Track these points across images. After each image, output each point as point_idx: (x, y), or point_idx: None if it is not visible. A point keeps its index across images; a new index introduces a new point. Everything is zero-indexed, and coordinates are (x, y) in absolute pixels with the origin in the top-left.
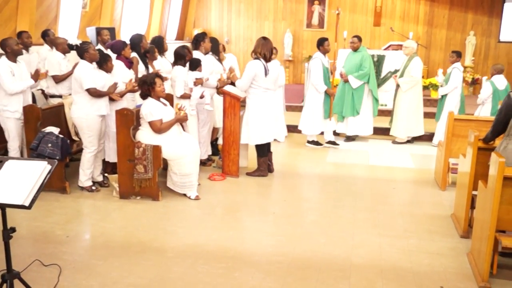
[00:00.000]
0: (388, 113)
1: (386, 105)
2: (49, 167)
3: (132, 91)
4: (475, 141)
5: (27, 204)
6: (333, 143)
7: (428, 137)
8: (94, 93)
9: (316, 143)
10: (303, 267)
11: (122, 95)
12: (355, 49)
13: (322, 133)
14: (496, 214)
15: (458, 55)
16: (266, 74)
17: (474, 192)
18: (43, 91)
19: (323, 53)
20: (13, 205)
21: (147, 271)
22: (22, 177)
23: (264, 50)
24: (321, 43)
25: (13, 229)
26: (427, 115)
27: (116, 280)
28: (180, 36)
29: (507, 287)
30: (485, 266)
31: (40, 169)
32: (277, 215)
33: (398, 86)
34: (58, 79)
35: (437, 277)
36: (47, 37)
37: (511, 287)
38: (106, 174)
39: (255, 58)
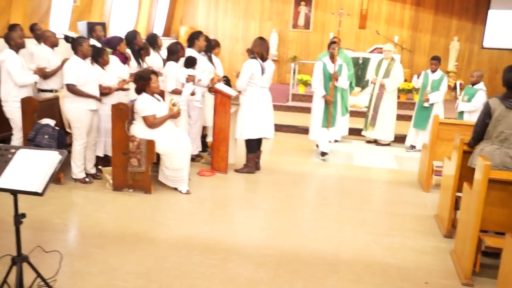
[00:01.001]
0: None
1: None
2: (59, 157)
3: (123, 89)
4: (461, 145)
5: (40, 191)
6: (323, 153)
7: (401, 139)
8: (72, 90)
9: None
10: (293, 260)
11: (112, 92)
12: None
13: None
14: (481, 215)
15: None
16: (262, 73)
17: (458, 194)
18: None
19: (331, 57)
20: (26, 192)
21: (143, 260)
22: (34, 166)
23: (262, 50)
24: (330, 45)
25: (23, 215)
26: (408, 117)
27: (115, 268)
28: (167, 32)
29: (489, 285)
30: (468, 264)
31: (52, 158)
32: (266, 210)
33: (380, 88)
34: (47, 76)
35: (421, 274)
36: (34, 32)
37: (493, 285)
38: (99, 167)
39: (252, 57)
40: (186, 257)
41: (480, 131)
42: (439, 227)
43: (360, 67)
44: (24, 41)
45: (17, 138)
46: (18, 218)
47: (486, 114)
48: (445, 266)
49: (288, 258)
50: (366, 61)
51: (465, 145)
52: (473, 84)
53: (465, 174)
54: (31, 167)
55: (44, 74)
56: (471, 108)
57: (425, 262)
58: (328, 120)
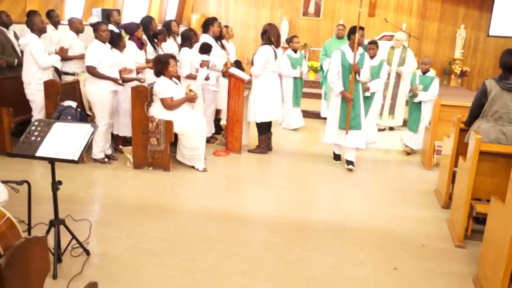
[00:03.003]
0: None
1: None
2: (92, 129)
3: (138, 80)
4: (458, 123)
5: (76, 158)
6: (336, 157)
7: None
8: (91, 72)
9: (337, 157)
10: (303, 227)
11: (129, 80)
12: (341, 37)
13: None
14: (472, 184)
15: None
16: (275, 58)
17: (454, 169)
18: (56, 69)
19: (351, 46)
20: (64, 160)
21: (166, 227)
22: (70, 137)
23: (272, 35)
24: (352, 32)
25: (60, 182)
26: None
27: (141, 234)
28: (178, 20)
29: (479, 247)
30: (461, 229)
31: (85, 130)
32: (278, 186)
33: (396, 77)
34: (67, 58)
35: (419, 238)
36: (51, 18)
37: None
38: (120, 146)
39: (265, 44)
40: (205, 225)
41: (476, 110)
42: (438, 200)
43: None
44: (45, 26)
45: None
46: (56, 184)
47: (483, 94)
48: (441, 232)
49: (299, 226)
50: (364, 47)
51: (462, 124)
52: (425, 72)
53: (462, 150)
54: (67, 138)
55: (65, 55)
56: (431, 97)
57: (423, 229)
58: (347, 121)
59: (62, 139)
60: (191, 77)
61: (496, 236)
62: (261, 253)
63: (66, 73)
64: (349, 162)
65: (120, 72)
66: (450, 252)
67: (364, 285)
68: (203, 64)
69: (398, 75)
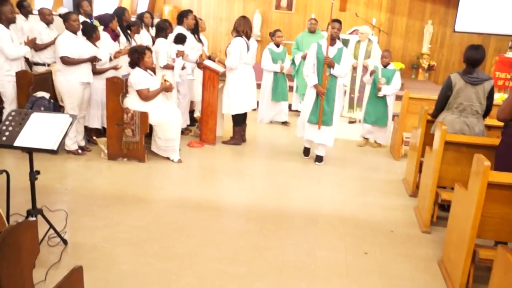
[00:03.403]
0: None
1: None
2: (70, 119)
3: (114, 67)
4: (425, 115)
5: (55, 148)
6: (305, 150)
7: None
8: (67, 61)
9: (306, 152)
10: (278, 215)
11: (104, 71)
12: (313, 31)
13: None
14: (438, 172)
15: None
16: (248, 50)
17: (422, 159)
18: (26, 59)
19: (330, 39)
20: (42, 150)
21: (144, 216)
22: (48, 128)
23: (246, 28)
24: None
25: (38, 172)
26: None
27: (118, 223)
28: (151, 11)
29: (443, 232)
30: (427, 215)
31: (63, 121)
32: (252, 176)
33: (363, 70)
34: (37, 48)
35: (388, 225)
36: (23, 8)
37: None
38: (94, 138)
39: (237, 36)
40: (182, 214)
41: (442, 103)
42: (406, 189)
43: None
44: (15, 16)
45: (8, 111)
46: (33, 174)
47: (448, 87)
48: (409, 219)
49: (273, 214)
50: (345, 42)
51: (429, 116)
52: (385, 65)
53: (429, 141)
54: (45, 128)
55: (35, 45)
56: (394, 91)
57: (392, 216)
58: (319, 116)
59: (40, 129)
60: (169, 67)
61: (459, 220)
62: (237, 240)
63: (37, 64)
64: (318, 158)
65: (93, 64)
66: (417, 237)
67: (336, 269)
68: (179, 54)
69: (365, 68)
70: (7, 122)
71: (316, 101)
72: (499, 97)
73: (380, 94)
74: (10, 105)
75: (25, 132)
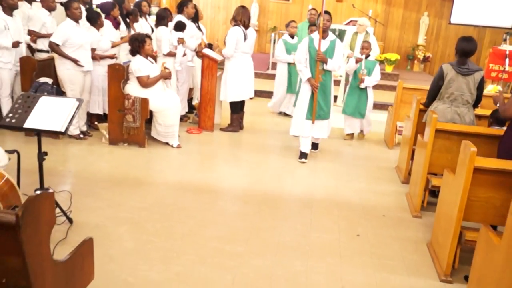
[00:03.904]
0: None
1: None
2: (77, 103)
3: (112, 57)
4: (418, 104)
5: (63, 130)
6: (302, 154)
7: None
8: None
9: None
10: (274, 199)
11: (102, 58)
12: (313, 21)
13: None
14: (429, 159)
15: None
16: (245, 39)
17: (414, 147)
18: (29, 46)
19: (322, 32)
20: (50, 131)
21: (145, 197)
22: (55, 110)
23: (244, 18)
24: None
25: (45, 153)
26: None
27: (120, 204)
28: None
29: (433, 217)
30: (418, 200)
31: (71, 104)
32: (250, 162)
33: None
34: (37, 36)
35: (380, 209)
36: None
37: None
38: (96, 123)
39: (235, 25)
40: (182, 196)
41: (434, 93)
42: (398, 176)
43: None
44: (16, 2)
45: (4, 96)
46: (42, 155)
47: (440, 77)
48: (400, 204)
49: (270, 198)
50: (342, 32)
51: (421, 105)
52: (366, 57)
53: (421, 130)
54: (53, 111)
55: (38, 34)
56: (374, 83)
57: (384, 201)
58: (313, 111)
59: (48, 112)
60: (171, 54)
61: (447, 204)
62: (235, 221)
63: (40, 50)
64: (314, 145)
65: (93, 50)
66: (407, 221)
67: (330, 249)
68: (180, 41)
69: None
70: (16, 105)
71: (312, 96)
72: (492, 89)
73: (363, 85)
74: (5, 90)
75: (34, 114)
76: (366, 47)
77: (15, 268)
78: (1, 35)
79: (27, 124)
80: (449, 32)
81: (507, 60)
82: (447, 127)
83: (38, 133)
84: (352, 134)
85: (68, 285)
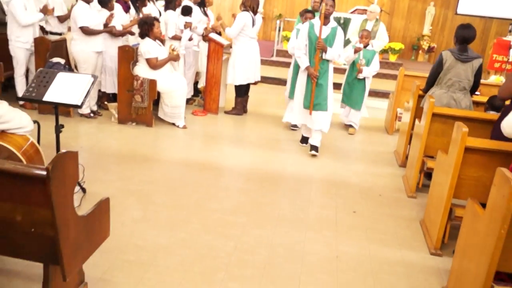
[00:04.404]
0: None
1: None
2: (92, 79)
3: (128, 33)
4: (417, 90)
5: (79, 103)
6: (303, 139)
7: (373, 93)
8: (86, 31)
9: (304, 139)
10: (275, 177)
11: (120, 34)
12: (317, 10)
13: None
14: (425, 142)
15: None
16: (253, 24)
17: (412, 132)
18: (41, 27)
19: (324, 18)
20: (67, 104)
21: (152, 172)
22: (72, 86)
23: (253, 3)
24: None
25: (62, 125)
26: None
27: (129, 177)
28: None
29: (427, 198)
30: (413, 182)
31: (86, 80)
32: (252, 143)
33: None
34: (62, 19)
35: (377, 190)
36: None
37: None
38: (105, 103)
39: (244, 10)
40: (187, 172)
41: (433, 78)
42: (396, 160)
43: (341, 27)
44: None
45: (19, 75)
46: (58, 127)
47: (439, 63)
48: (397, 185)
49: (271, 176)
50: (347, 21)
51: (420, 91)
52: (365, 46)
53: (419, 115)
54: (70, 86)
55: (49, 12)
56: (373, 73)
57: (381, 182)
58: (311, 100)
59: (66, 87)
60: (177, 37)
61: (439, 182)
62: (237, 196)
63: (52, 33)
64: (313, 147)
65: (111, 28)
66: (403, 201)
67: (327, 223)
68: (187, 25)
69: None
70: (35, 80)
71: (308, 85)
72: (495, 79)
73: (361, 76)
74: (20, 69)
75: (52, 89)
76: (365, 36)
77: (44, 219)
78: (25, 14)
79: (46, 98)
80: (455, 23)
81: (511, 51)
82: (443, 111)
83: (56, 106)
84: (345, 125)
85: (88, 238)
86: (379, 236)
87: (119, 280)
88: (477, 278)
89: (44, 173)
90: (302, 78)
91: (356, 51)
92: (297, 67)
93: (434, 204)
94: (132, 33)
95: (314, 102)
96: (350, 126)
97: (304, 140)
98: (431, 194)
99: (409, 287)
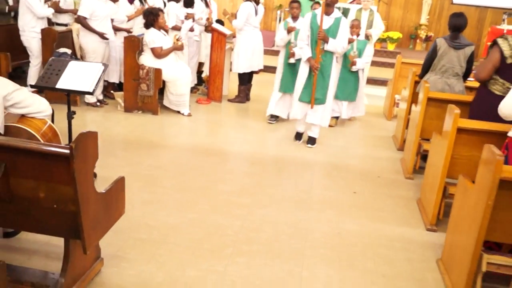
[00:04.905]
0: None
1: None
2: (103, 67)
3: (128, 31)
4: (413, 76)
5: (91, 90)
6: (298, 135)
7: (372, 81)
8: (81, 22)
9: (298, 136)
10: (278, 162)
11: (119, 29)
12: None
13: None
14: (421, 125)
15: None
16: (256, 14)
17: (409, 117)
18: (48, 19)
19: (326, 7)
20: (79, 91)
21: (160, 158)
22: (84, 74)
23: None
24: None
25: (74, 112)
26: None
27: (138, 162)
28: None
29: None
30: (410, 163)
31: (97, 68)
32: (255, 129)
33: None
34: (58, 11)
35: (376, 172)
36: None
37: None
38: (112, 92)
39: (246, 0)
40: (193, 157)
41: (428, 65)
42: (395, 143)
43: None
44: None
45: (34, 64)
46: (70, 114)
47: (433, 50)
48: (395, 168)
49: (274, 161)
50: (346, 11)
51: (416, 77)
52: (358, 35)
53: (415, 100)
54: (81, 74)
55: (58, 8)
56: (366, 64)
57: (380, 165)
58: (312, 94)
59: (77, 75)
60: (176, 28)
61: (435, 162)
62: (242, 178)
63: (59, 24)
64: (310, 140)
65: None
66: (400, 182)
67: (329, 203)
68: (188, 16)
69: (367, 38)
70: (48, 69)
71: (309, 77)
72: None
73: (355, 68)
74: (36, 59)
75: (65, 77)
76: (356, 26)
77: (66, 195)
78: (41, 6)
79: (59, 85)
80: (452, 12)
81: None
82: (438, 96)
83: (68, 94)
84: (337, 117)
85: (106, 213)
86: (378, 214)
87: (132, 257)
88: (467, 248)
89: (68, 151)
90: (303, 70)
91: (349, 42)
92: (286, 60)
93: (430, 183)
94: (129, 31)
95: (315, 96)
96: (336, 117)
97: (299, 136)
98: (427, 174)
99: (406, 260)
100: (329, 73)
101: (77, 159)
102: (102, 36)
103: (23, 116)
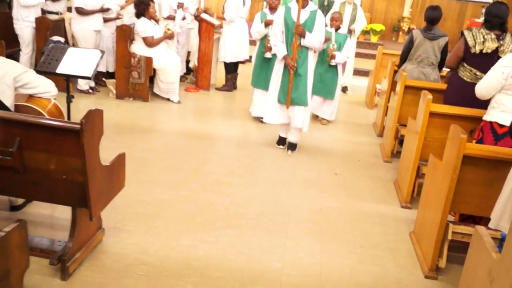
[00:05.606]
0: None
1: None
2: (100, 54)
3: (117, 17)
4: (392, 65)
5: (90, 75)
6: (280, 140)
7: (356, 71)
8: (80, 12)
9: (281, 141)
10: (265, 145)
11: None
12: None
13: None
14: (399, 111)
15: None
16: (244, 4)
17: (389, 104)
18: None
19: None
20: (79, 76)
21: (152, 142)
22: (82, 60)
23: None
24: None
25: (73, 96)
26: (364, 55)
27: (131, 145)
28: None
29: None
30: (389, 147)
31: (95, 55)
32: (243, 117)
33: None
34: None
35: (356, 155)
36: None
37: None
38: (103, 79)
39: None
40: (184, 141)
41: (405, 55)
42: (375, 130)
43: (325, 9)
44: None
45: (25, 52)
46: (69, 98)
47: (410, 41)
48: (374, 152)
49: (261, 145)
50: (330, 3)
51: (395, 66)
52: (336, 29)
53: (395, 89)
54: (80, 60)
55: None
56: (346, 59)
57: (360, 150)
58: (288, 94)
59: (76, 61)
60: (171, 17)
61: (409, 145)
62: (231, 161)
63: (51, 12)
64: (291, 146)
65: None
66: (379, 165)
67: (312, 183)
68: (179, 5)
69: (350, 32)
70: (48, 54)
71: (285, 76)
72: None
73: (334, 62)
74: (27, 47)
75: (64, 62)
76: (336, 19)
77: (75, 167)
78: None
79: (59, 70)
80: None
81: None
82: (414, 84)
83: (67, 78)
84: (317, 116)
85: (109, 185)
86: (357, 193)
87: (130, 228)
88: (435, 219)
89: (78, 126)
90: (278, 69)
91: (325, 40)
92: (261, 54)
93: (405, 164)
94: (118, 17)
95: (292, 95)
96: (322, 118)
97: (281, 141)
98: (403, 156)
99: (382, 233)
100: (306, 70)
101: (86, 133)
102: (105, 10)
103: (31, 96)
